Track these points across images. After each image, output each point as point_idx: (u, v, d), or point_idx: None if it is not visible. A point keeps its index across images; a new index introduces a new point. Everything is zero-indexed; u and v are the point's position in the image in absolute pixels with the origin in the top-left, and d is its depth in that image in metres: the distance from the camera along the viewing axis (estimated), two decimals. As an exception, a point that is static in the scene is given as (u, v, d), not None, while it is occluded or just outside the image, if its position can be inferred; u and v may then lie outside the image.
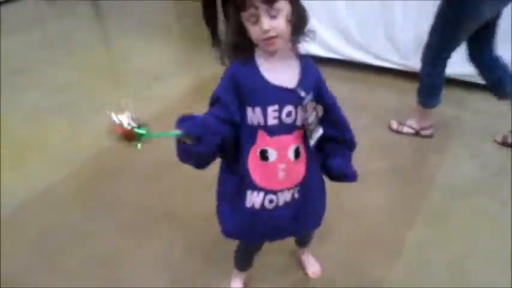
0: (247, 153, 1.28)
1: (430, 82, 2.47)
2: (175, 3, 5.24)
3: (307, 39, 1.24)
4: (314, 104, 1.27)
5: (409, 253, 1.87)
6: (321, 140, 1.33)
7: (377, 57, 3.22)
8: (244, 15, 1.14)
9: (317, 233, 1.68)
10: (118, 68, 3.91)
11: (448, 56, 2.38)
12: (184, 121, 1.18)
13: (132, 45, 4.14)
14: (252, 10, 1.11)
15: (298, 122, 1.26)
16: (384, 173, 2.33)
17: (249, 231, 1.41)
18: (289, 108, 1.24)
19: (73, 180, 2.42)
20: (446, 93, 2.95)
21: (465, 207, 2.10)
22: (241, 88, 1.22)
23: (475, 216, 2.05)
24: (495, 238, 1.94)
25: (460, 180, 2.27)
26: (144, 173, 2.44)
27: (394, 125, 2.68)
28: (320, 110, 1.30)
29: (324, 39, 3.28)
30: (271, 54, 1.21)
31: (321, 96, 1.30)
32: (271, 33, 1.13)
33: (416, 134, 2.62)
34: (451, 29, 2.23)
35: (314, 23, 3.21)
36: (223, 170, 1.40)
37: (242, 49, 1.22)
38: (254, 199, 1.33)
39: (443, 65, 2.41)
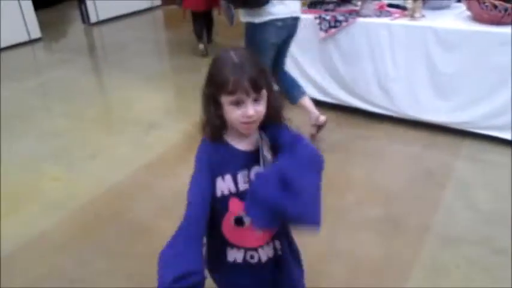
0: (221, 221, 1.28)
1: (285, 84, 3.01)
2: (171, 56, 5.37)
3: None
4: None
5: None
6: None
7: (371, 104, 3.28)
8: (228, 98, 1.15)
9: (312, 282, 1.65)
10: (113, 116, 3.95)
11: (275, 67, 2.96)
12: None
13: (127, 94, 4.21)
14: (239, 95, 1.14)
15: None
16: (378, 220, 2.32)
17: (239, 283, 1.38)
18: (256, 169, 1.23)
19: (65, 228, 2.39)
20: (438, 141, 3.01)
21: (460, 256, 2.08)
22: (213, 162, 1.23)
23: (471, 266, 2.02)
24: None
25: (454, 229, 2.25)
26: (136, 221, 2.42)
27: (313, 131, 3.04)
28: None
29: (322, 85, 3.39)
30: (244, 134, 1.22)
31: (276, 138, 1.25)
32: (254, 118, 1.16)
33: (319, 127, 3.01)
34: (259, 52, 2.66)
35: (313, 72, 3.26)
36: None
37: (218, 129, 1.24)
38: (235, 254, 1.33)
39: (281, 70, 3.03)
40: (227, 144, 1.25)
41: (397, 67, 3.10)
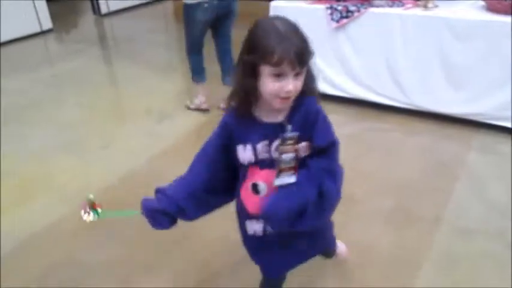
0: (241, 188, 1.33)
1: (195, 64, 3.49)
2: (182, 46, 5.36)
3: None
4: (295, 141, 1.21)
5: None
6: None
7: (382, 96, 3.27)
8: (269, 69, 1.11)
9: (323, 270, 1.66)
10: (125, 106, 3.98)
11: (199, 47, 3.41)
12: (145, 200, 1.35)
13: (139, 84, 4.23)
14: (283, 68, 1.10)
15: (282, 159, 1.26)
16: (390, 211, 2.32)
17: (267, 260, 1.44)
18: (277, 142, 1.23)
19: (79, 217, 2.41)
20: (450, 133, 2.99)
21: (473, 249, 2.07)
22: (234, 132, 1.26)
23: (484, 259, 2.01)
24: (501, 282, 1.89)
25: (467, 221, 2.24)
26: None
27: (192, 105, 3.55)
28: (303, 150, 1.24)
29: (332, 78, 3.36)
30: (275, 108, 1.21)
31: (311, 136, 1.24)
32: (291, 94, 1.14)
33: (198, 109, 3.51)
34: (190, 29, 3.28)
35: (323, 64, 3.26)
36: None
37: (249, 103, 1.22)
38: (254, 227, 1.37)
39: (200, 52, 3.45)
40: (253, 116, 1.25)
41: (410, 58, 3.07)
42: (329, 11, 3.20)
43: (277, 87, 1.12)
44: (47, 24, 6.14)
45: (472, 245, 2.09)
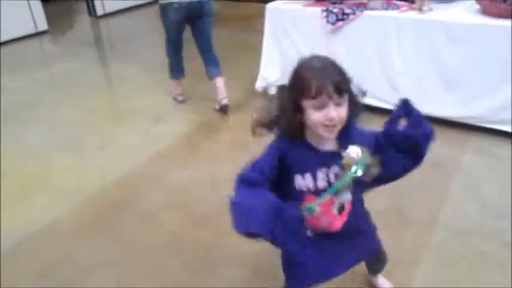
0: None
1: (172, 64, 3.72)
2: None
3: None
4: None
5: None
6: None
7: (378, 98, 3.28)
8: (310, 102, 1.19)
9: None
10: (122, 107, 3.97)
11: (176, 46, 3.62)
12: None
13: (135, 86, 4.23)
14: (322, 99, 1.18)
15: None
16: (385, 212, 2.33)
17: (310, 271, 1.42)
18: (336, 169, 1.29)
19: (76, 216, 2.43)
20: (445, 135, 3.01)
21: (469, 249, 2.08)
22: (289, 158, 1.29)
23: (480, 259, 2.03)
24: (498, 281, 1.91)
25: (463, 222, 2.26)
26: (145, 211, 2.44)
27: (173, 94, 3.83)
28: (375, 167, 1.28)
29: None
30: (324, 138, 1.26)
31: (373, 144, 1.33)
32: (335, 122, 1.20)
33: (174, 99, 3.82)
34: (165, 29, 3.50)
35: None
36: None
37: (295, 128, 1.28)
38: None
39: (178, 51, 3.66)
40: (307, 144, 1.30)
41: (405, 61, 3.09)
42: (325, 14, 3.21)
43: (319, 117, 1.20)
44: (43, 25, 6.13)
45: (468, 245, 2.11)
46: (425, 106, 3.06)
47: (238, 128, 3.33)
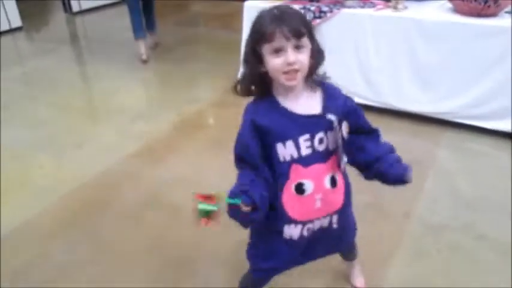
0: (281, 190, 1.27)
1: (135, 24, 4.54)
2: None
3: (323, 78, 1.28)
4: (344, 127, 1.26)
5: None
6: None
7: (354, 95, 3.31)
8: (268, 46, 1.14)
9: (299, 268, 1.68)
10: (98, 106, 3.93)
11: (137, 9, 4.53)
12: (237, 194, 1.17)
13: (112, 84, 4.18)
14: (279, 42, 1.12)
15: (330, 148, 1.26)
16: (360, 206, 2.36)
17: (283, 261, 1.40)
18: (320, 135, 1.23)
19: (53, 215, 2.40)
20: (420, 131, 3.08)
21: (443, 242, 2.14)
22: (265, 128, 1.21)
23: (453, 252, 2.08)
24: (471, 273, 1.97)
25: (437, 216, 2.31)
26: (123, 209, 2.43)
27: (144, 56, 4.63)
28: (345, 129, 1.28)
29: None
30: (289, 88, 1.21)
31: (350, 116, 1.30)
32: (296, 66, 1.14)
33: (139, 59, 4.60)
34: (128, 2, 4.49)
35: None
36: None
37: (259, 81, 1.23)
38: (291, 231, 1.32)
39: (138, 14, 4.55)
40: (279, 106, 1.22)
41: (381, 58, 3.15)
42: (302, 11, 3.24)
43: (278, 62, 1.14)
44: (16, 22, 6.00)
45: (441, 238, 2.16)
46: (400, 102, 3.18)
47: (218, 126, 3.34)
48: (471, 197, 2.45)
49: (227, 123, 3.33)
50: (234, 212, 1.19)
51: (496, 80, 2.84)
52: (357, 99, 3.21)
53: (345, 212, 1.39)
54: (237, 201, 1.15)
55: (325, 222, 1.36)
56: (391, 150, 1.37)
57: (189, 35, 5.52)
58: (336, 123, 1.22)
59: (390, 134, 2.69)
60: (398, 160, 1.35)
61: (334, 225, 1.38)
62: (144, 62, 4.60)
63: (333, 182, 1.30)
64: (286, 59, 1.13)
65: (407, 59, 3.05)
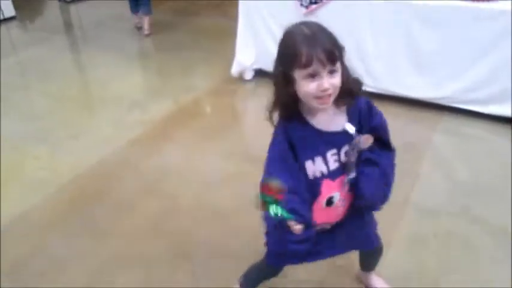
0: (311, 205, 1.28)
1: (131, 1, 4.95)
2: (151, 34, 5.32)
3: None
4: (359, 139, 1.25)
5: (386, 275, 1.89)
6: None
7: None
8: (301, 72, 1.12)
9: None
10: (94, 96, 3.91)
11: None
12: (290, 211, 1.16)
13: (107, 73, 4.15)
14: (314, 68, 1.10)
15: (352, 160, 1.27)
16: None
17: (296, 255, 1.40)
18: (346, 148, 1.25)
19: (50, 207, 2.39)
20: (417, 116, 3.07)
21: (440, 227, 2.15)
22: (296, 144, 1.22)
23: (450, 237, 2.10)
24: (468, 257, 1.98)
25: (433, 201, 2.32)
26: (120, 199, 2.43)
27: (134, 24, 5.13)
28: (364, 143, 1.26)
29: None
30: (319, 109, 1.20)
31: (374, 130, 1.29)
32: (330, 91, 1.13)
33: (135, 27, 5.16)
34: None
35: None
36: None
37: (289, 104, 1.21)
38: (309, 232, 1.31)
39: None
40: (307, 124, 1.23)
41: (378, 44, 3.12)
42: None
43: (312, 87, 1.13)
44: (9, 11, 5.92)
45: (438, 223, 2.17)
46: (398, 87, 3.17)
47: (214, 114, 3.32)
48: (467, 181, 2.46)
49: (224, 112, 3.33)
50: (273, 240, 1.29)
51: (493, 65, 2.83)
52: None
53: (356, 214, 1.40)
54: (290, 217, 1.14)
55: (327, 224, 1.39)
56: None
57: (185, 23, 5.47)
58: (355, 135, 1.23)
59: (387, 119, 2.70)
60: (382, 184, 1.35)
61: (348, 220, 1.40)
62: (140, 29, 5.11)
63: (351, 183, 1.32)
64: (320, 86, 1.12)
65: (405, 44, 3.03)
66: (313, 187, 1.26)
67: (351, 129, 1.23)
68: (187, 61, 4.27)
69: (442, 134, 2.92)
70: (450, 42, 2.89)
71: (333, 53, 1.11)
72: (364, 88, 3.37)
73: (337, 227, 1.39)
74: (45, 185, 2.56)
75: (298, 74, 1.13)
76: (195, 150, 2.83)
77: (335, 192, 1.29)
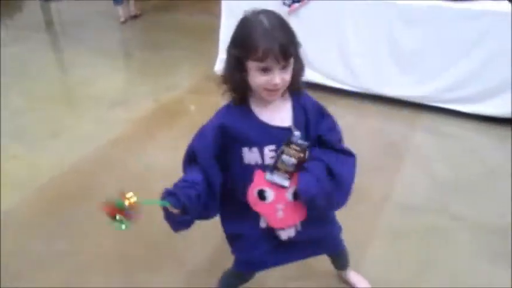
0: (245, 190, 1.28)
1: None
2: (132, 32, 5.27)
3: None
4: (302, 151, 1.22)
5: (367, 272, 1.90)
6: None
7: (334, 79, 3.33)
8: (255, 64, 1.13)
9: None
10: (75, 94, 3.86)
11: None
12: (169, 195, 1.21)
13: (88, 71, 4.10)
14: (268, 63, 1.11)
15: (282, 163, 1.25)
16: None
17: (263, 252, 1.39)
18: (283, 148, 1.23)
19: (29, 206, 2.36)
20: (398, 115, 3.11)
21: (419, 224, 2.17)
22: (234, 132, 1.23)
23: (429, 233, 2.12)
24: (447, 253, 2.01)
25: (413, 198, 2.35)
26: (103, 196, 2.39)
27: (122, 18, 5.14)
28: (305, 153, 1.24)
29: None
30: (267, 100, 1.22)
31: (310, 128, 1.27)
32: (279, 86, 1.15)
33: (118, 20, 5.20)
34: None
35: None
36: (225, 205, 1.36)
37: (241, 91, 1.22)
38: (287, 233, 1.34)
39: None
40: (251, 113, 1.24)
41: (360, 42, 3.15)
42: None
43: (264, 81, 1.14)
44: (-12, 8, 5.83)
45: (418, 220, 2.20)
46: (379, 86, 3.20)
47: (197, 113, 3.31)
48: (447, 179, 2.49)
49: (205, 111, 3.29)
50: (165, 213, 1.27)
51: (473, 64, 2.88)
52: (336, 84, 3.31)
53: (310, 221, 1.35)
54: (166, 203, 1.20)
55: (291, 232, 1.35)
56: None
57: (167, 21, 5.44)
58: (298, 142, 1.22)
59: (368, 118, 2.75)
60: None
61: (302, 234, 1.36)
62: (123, 22, 5.23)
63: (296, 195, 1.28)
64: (271, 80, 1.14)
65: (387, 43, 3.07)
66: (246, 172, 1.26)
67: (297, 133, 1.22)
68: (170, 59, 4.25)
69: (422, 133, 2.95)
70: (431, 41, 2.93)
71: (288, 49, 1.12)
72: (345, 87, 3.41)
73: (298, 232, 1.36)
74: (24, 184, 2.52)
75: (251, 65, 1.14)
76: (178, 148, 2.78)
77: (267, 188, 1.26)
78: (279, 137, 1.23)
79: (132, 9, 5.41)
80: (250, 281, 1.59)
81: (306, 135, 1.25)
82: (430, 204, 2.30)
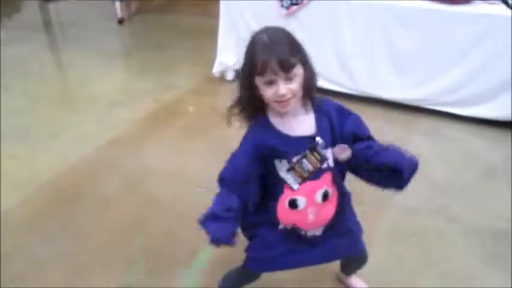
0: (276, 201, 1.31)
1: None
2: (132, 32, 5.27)
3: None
4: (320, 160, 1.25)
5: (366, 272, 1.91)
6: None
7: (331, 82, 3.34)
8: (260, 78, 1.18)
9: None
10: (74, 94, 3.86)
11: None
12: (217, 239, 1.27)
13: (87, 72, 4.10)
14: (269, 75, 1.15)
15: (324, 166, 1.28)
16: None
17: (279, 253, 1.41)
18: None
19: (29, 206, 2.36)
20: (396, 117, 3.12)
21: (418, 226, 2.19)
22: (266, 148, 1.26)
23: (428, 235, 2.14)
24: (444, 254, 2.03)
25: (412, 200, 2.36)
26: (101, 198, 2.41)
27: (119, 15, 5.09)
28: (340, 153, 1.29)
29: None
30: (283, 112, 1.25)
31: (335, 130, 1.30)
32: (287, 96, 1.18)
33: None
34: None
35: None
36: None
37: (254, 108, 1.27)
38: (314, 231, 1.39)
39: None
40: (273, 129, 1.27)
41: (357, 44, 3.16)
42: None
43: (271, 93, 1.18)
44: (-13, 8, 5.82)
45: (416, 222, 2.22)
46: (376, 89, 3.22)
47: (195, 114, 3.32)
48: (445, 181, 2.51)
49: (204, 111, 3.33)
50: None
51: (470, 67, 2.89)
52: (333, 87, 3.32)
53: (338, 220, 1.41)
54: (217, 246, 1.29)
55: (318, 231, 1.40)
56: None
57: (167, 21, 5.45)
58: (322, 149, 1.24)
59: (366, 121, 2.74)
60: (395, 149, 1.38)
61: (328, 233, 1.41)
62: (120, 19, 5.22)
63: (325, 196, 1.33)
64: (277, 91, 1.17)
65: (383, 45, 3.08)
66: (278, 183, 1.29)
67: (318, 138, 1.24)
68: (168, 60, 4.26)
69: (420, 135, 2.97)
70: (428, 44, 2.95)
71: (287, 62, 1.15)
72: (342, 90, 3.43)
73: (318, 237, 1.40)
74: (24, 184, 2.53)
75: (258, 81, 1.20)
76: (176, 149, 2.82)
77: (299, 196, 1.30)
78: (304, 146, 1.25)
79: (132, 8, 5.44)
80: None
81: (332, 139, 1.28)
82: (429, 206, 2.32)
